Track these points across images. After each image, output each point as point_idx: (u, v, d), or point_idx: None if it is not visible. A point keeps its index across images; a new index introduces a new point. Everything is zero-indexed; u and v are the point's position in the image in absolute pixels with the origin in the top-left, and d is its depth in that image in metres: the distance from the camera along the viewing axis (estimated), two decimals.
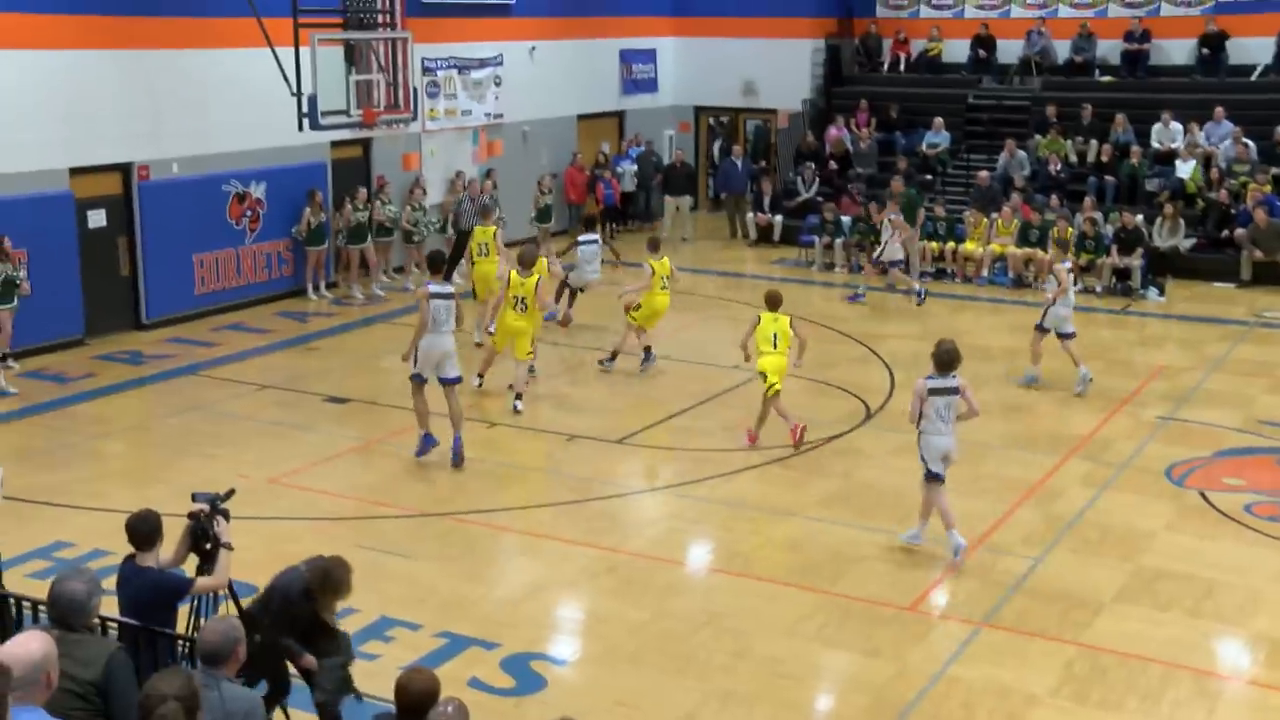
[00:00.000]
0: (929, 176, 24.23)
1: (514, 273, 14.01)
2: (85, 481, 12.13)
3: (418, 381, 12.45)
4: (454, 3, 22.15)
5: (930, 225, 21.63)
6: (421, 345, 12.37)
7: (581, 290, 17.57)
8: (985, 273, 21.16)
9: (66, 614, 5.60)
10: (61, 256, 16.45)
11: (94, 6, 16.71)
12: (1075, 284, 15.79)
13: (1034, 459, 12.90)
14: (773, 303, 13.20)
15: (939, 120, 24.72)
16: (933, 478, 10.50)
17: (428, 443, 12.57)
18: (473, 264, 16.80)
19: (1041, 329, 15.21)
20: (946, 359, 10.38)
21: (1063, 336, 15.15)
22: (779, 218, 24.32)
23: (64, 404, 14.61)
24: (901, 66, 26.83)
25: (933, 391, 10.34)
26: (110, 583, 6.53)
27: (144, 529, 6.78)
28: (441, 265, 12.99)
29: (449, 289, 12.54)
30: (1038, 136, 23.73)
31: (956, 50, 26.37)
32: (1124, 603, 9.76)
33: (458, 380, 12.54)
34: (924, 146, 24.68)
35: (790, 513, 11.54)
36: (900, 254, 19.85)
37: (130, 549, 6.82)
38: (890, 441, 13.36)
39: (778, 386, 12.93)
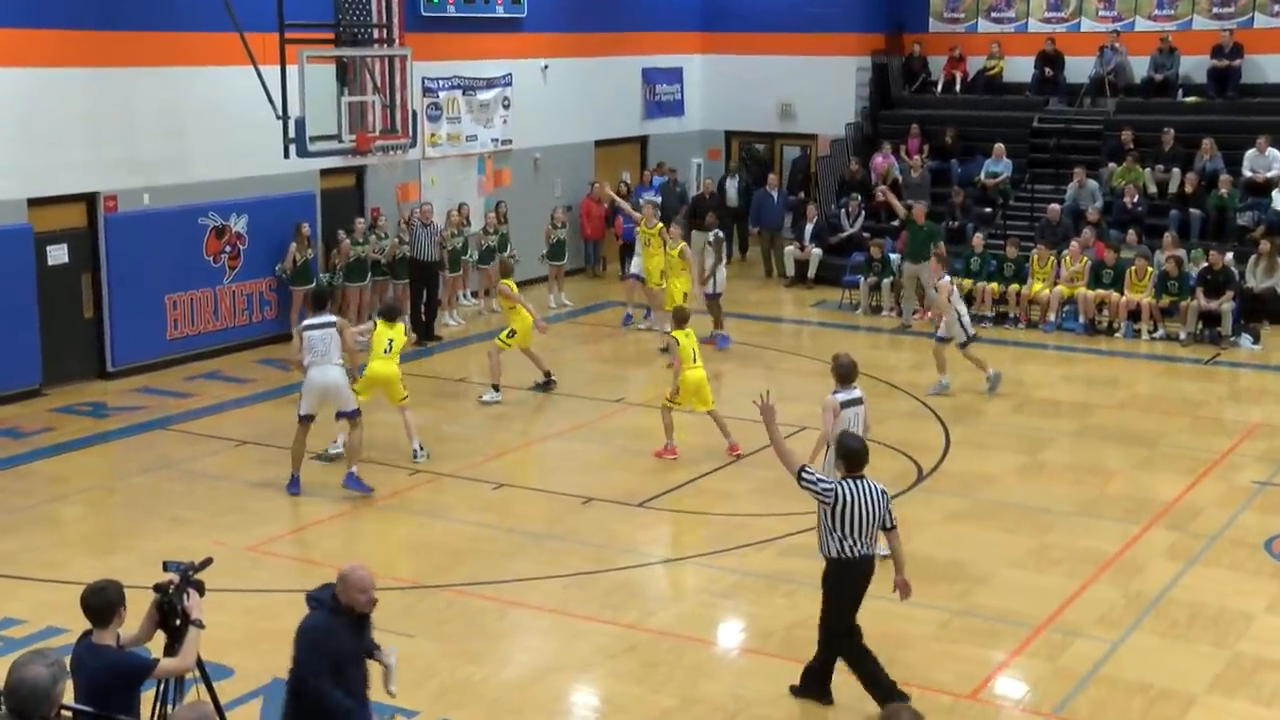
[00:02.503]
0: (989, 209, 24.26)
1: (380, 322, 14.64)
2: (39, 550, 12.14)
3: (304, 422, 13.51)
4: (458, 16, 22.37)
5: (993, 263, 21.62)
6: (306, 379, 13.54)
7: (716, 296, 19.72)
8: (1053, 317, 21.11)
9: (25, 703, 5.53)
10: (17, 297, 16.55)
11: (55, 20, 16.86)
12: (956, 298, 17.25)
13: (1110, 527, 12.78)
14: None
15: (1000, 147, 24.75)
16: None
17: (293, 487, 13.54)
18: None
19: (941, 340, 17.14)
20: (847, 371, 11.62)
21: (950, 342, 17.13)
22: (818, 251, 24.29)
23: (18, 462, 14.66)
24: (957, 87, 26.93)
25: (844, 404, 11.45)
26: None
27: (97, 602, 6.75)
28: (324, 304, 14.16)
29: (327, 319, 13.66)
30: (1111, 165, 23.73)
31: (1019, 69, 26.42)
32: (1219, 695, 9.62)
33: (355, 414, 13.55)
34: (983, 176, 24.71)
35: None
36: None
37: (86, 625, 6.80)
38: (946, 506, 13.29)
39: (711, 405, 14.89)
